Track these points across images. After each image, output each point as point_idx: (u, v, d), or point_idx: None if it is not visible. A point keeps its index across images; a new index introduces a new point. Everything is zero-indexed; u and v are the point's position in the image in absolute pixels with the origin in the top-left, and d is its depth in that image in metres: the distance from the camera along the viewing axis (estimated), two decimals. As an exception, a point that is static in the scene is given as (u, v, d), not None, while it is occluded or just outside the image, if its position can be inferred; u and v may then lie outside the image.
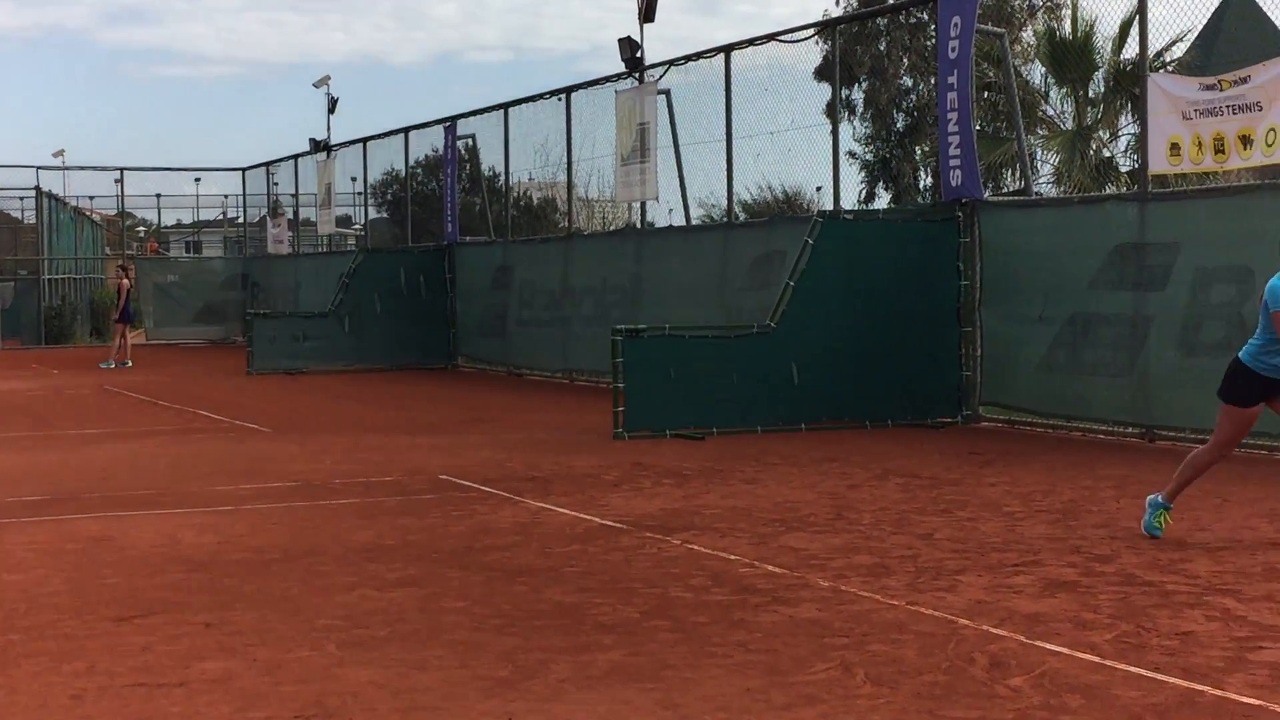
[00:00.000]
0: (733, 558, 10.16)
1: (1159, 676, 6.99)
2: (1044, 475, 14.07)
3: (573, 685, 7.03)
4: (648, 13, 25.31)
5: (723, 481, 13.93)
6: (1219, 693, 6.71)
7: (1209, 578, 9.25)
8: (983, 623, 8.12)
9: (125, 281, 35.69)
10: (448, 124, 32.12)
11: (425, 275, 31.78)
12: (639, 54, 25.36)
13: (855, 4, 39.71)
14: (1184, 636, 7.77)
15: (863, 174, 40.17)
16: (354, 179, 41.67)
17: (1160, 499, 10.69)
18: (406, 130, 34.55)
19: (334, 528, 11.67)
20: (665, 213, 27.43)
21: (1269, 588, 8.90)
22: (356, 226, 52.34)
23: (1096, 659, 7.33)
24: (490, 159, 32.70)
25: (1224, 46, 33.71)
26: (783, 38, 22.43)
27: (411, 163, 37.26)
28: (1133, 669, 7.13)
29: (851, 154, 39.64)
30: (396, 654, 7.65)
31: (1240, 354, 10.35)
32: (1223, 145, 15.47)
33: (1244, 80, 15.26)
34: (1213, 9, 28.73)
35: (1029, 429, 18.12)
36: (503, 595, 9.07)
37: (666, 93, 25.05)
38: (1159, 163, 16.32)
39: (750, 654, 7.56)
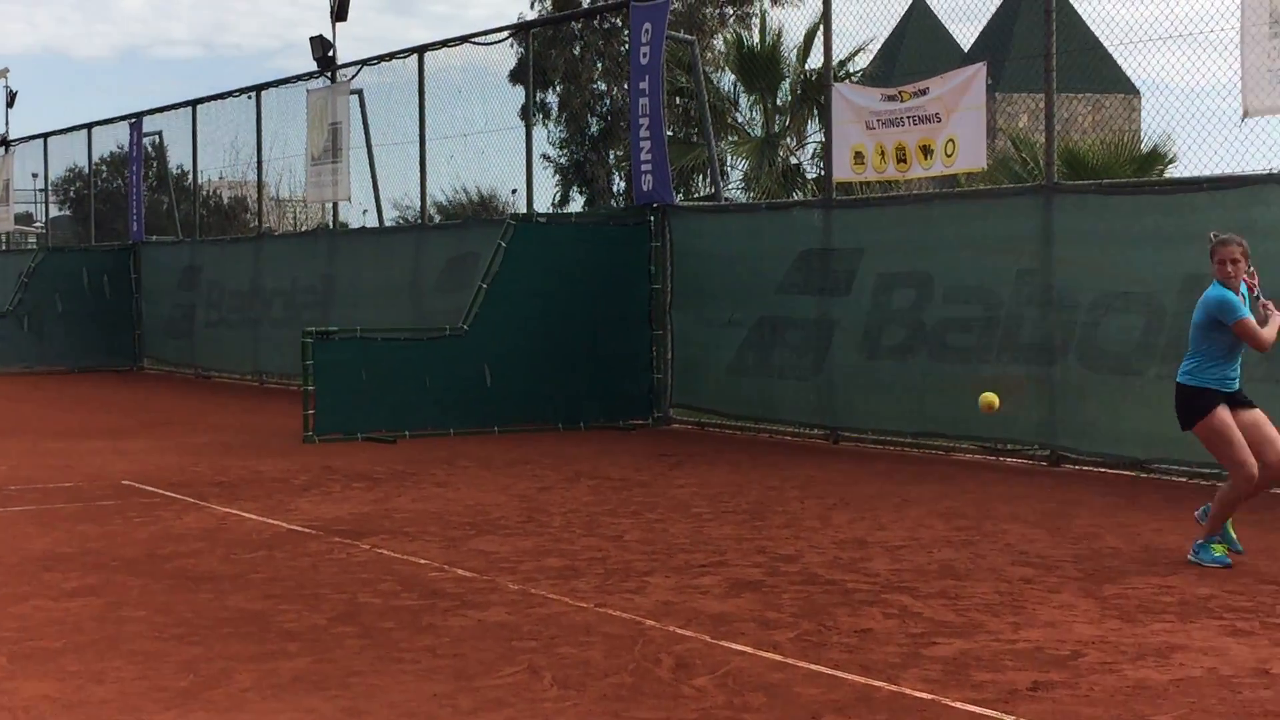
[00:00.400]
0: (422, 562, 10.09)
1: (838, 674, 7.15)
2: (732, 476, 14.30)
3: (256, 694, 6.88)
4: (340, 11, 25.05)
5: (414, 485, 13.83)
6: (895, 688, 6.90)
7: (887, 576, 9.50)
8: (669, 624, 8.21)
9: None
10: (133, 120, 31.27)
11: (109, 275, 30.89)
12: (331, 53, 25.07)
13: (550, 8, 39.84)
14: (863, 634, 7.96)
15: (557, 177, 40.32)
16: (35, 175, 40.27)
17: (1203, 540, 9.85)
18: (90, 126, 33.54)
19: (8, 536, 11.24)
20: (359, 214, 27.18)
21: (943, 585, 9.19)
22: (38, 224, 50.58)
23: (779, 658, 7.47)
24: (179, 157, 31.95)
25: (906, 58, 34.80)
26: (477, 39, 22.39)
27: (95, 160, 36.18)
28: (813, 666, 7.28)
29: (546, 157, 39.76)
30: (72, 666, 7.40)
31: (1179, 379, 9.90)
32: (905, 155, 15.95)
33: (923, 92, 15.75)
34: (895, 21, 29.61)
35: (719, 431, 18.41)
36: (185, 603, 8.85)
37: (359, 93, 24.79)
38: (844, 170, 16.74)
39: (438, 659, 7.50)
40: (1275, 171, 13.40)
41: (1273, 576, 9.34)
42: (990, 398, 11.10)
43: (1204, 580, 9.25)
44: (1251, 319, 9.67)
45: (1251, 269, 9.85)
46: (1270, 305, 9.82)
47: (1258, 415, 9.76)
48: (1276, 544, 10.43)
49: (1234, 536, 9.92)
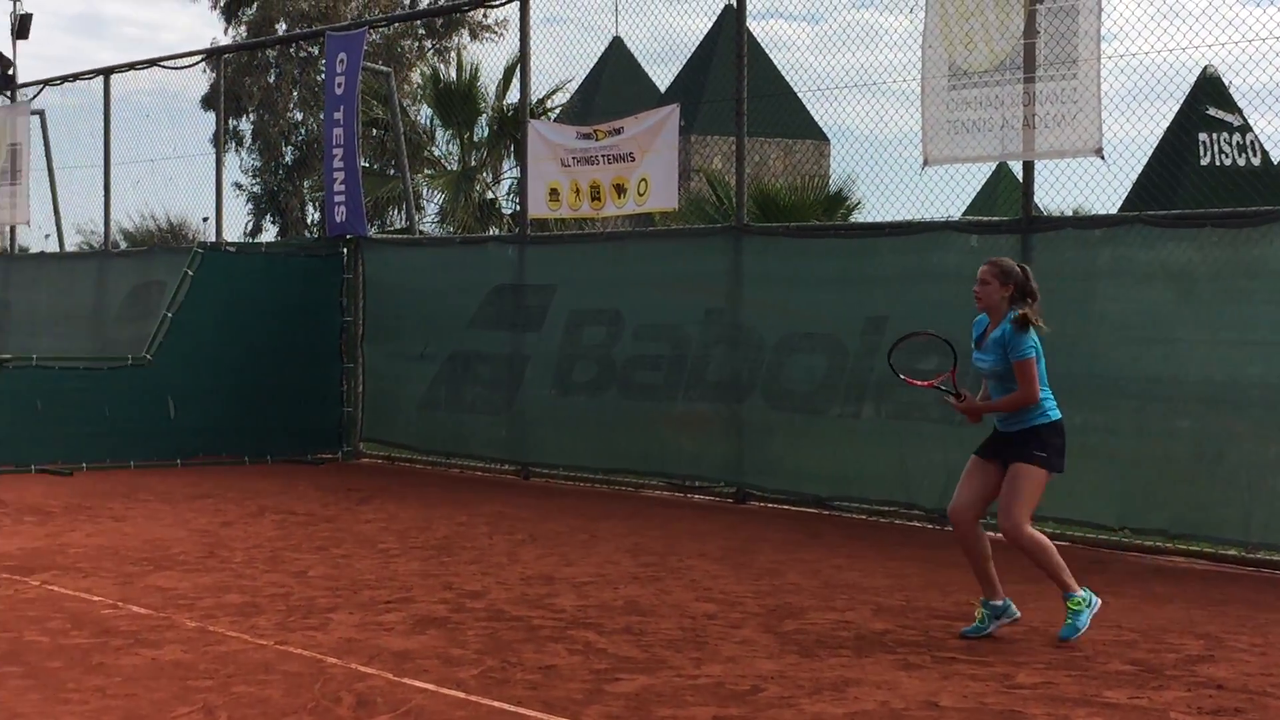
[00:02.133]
0: (96, 599, 9.75)
1: (521, 710, 7.12)
2: (421, 511, 14.18)
3: (-91, 739, 6.55)
4: (21, 29, 24.25)
5: (90, 519, 13.38)
6: (577, 724, 6.89)
7: (573, 612, 9.51)
8: (352, 661, 8.07)
9: None
10: None
11: None
12: (11, 71, 24.25)
13: (245, 35, 39.21)
14: (547, 670, 7.95)
15: (250, 206, 39.69)
16: None
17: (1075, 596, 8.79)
18: None
19: None
20: (41, 238, 26.29)
21: (628, 620, 9.23)
22: None
23: (462, 694, 7.40)
24: None
25: (604, 97, 35.14)
26: (167, 63, 21.88)
27: None
28: (496, 704, 7.23)
29: (239, 185, 39.10)
30: None
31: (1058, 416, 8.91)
32: (599, 193, 16.07)
33: (618, 131, 15.90)
34: (594, 60, 29.89)
35: (410, 465, 18.25)
36: None
37: (41, 113, 24.01)
38: (539, 207, 16.79)
39: (108, 699, 7.24)
40: (952, 219, 13.87)
41: (943, 612, 9.61)
42: None
43: (879, 615, 9.47)
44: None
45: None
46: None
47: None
48: (947, 579, 10.74)
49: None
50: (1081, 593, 8.76)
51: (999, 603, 8.91)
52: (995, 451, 8.89)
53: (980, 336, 9.09)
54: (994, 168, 25.95)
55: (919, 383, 9.57)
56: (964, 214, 17.13)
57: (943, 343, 9.44)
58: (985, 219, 15.46)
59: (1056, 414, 8.87)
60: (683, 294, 15.38)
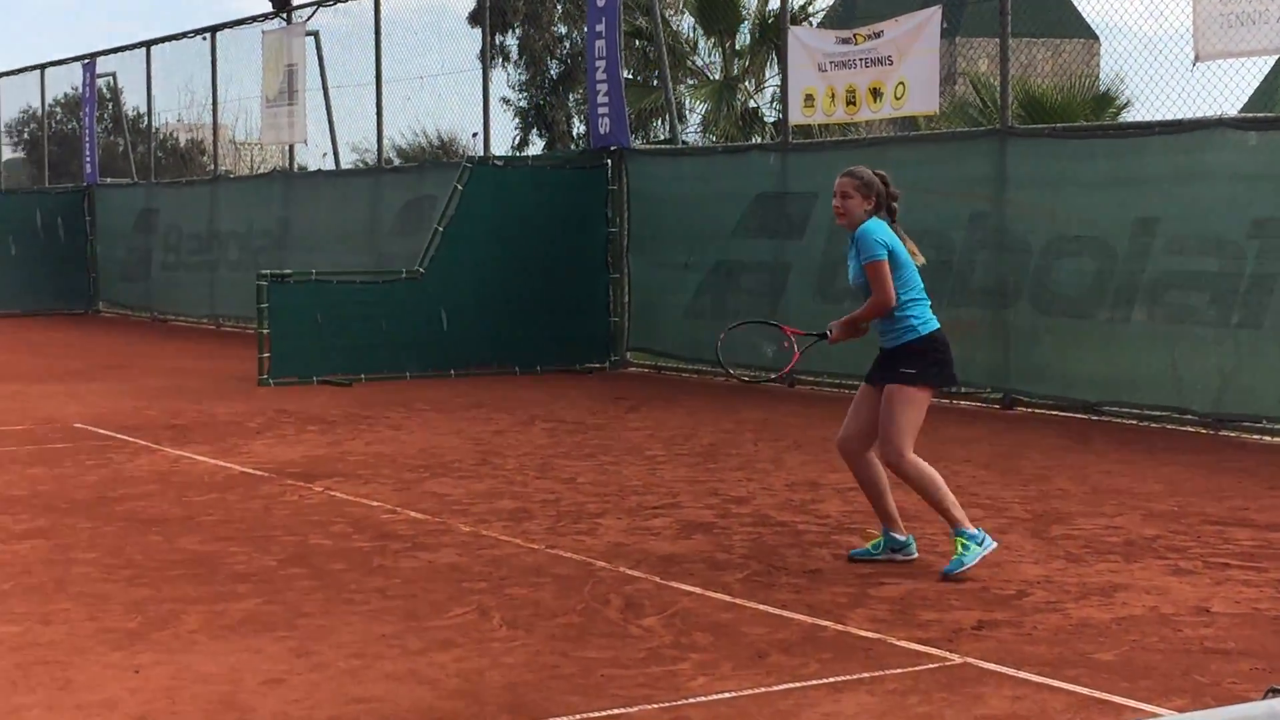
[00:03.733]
0: (375, 504, 10.11)
1: (785, 613, 7.21)
2: (687, 419, 14.34)
3: (204, 635, 6.90)
4: (296, -48, 24.81)
5: (369, 428, 13.83)
6: (841, 627, 6.96)
7: (838, 518, 9.57)
8: (620, 565, 8.25)
9: None
10: (86, 61, 30.99)
11: (64, 217, 30.65)
12: (287, -6, 24.87)
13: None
14: (812, 574, 8.02)
15: (517, 120, 40.19)
16: (-12, 117, 39.84)
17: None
18: (43, 67, 33.21)
19: (-41, 479, 11.21)
20: (319, 157, 27.03)
21: (893, 525, 9.24)
22: (-8, 167, 50.13)
23: (727, 598, 7.52)
24: (134, 99, 31.72)
25: (866, 2, 34.69)
26: (433, -19, 22.24)
27: (50, 101, 35.84)
28: (761, 607, 7.34)
29: (506, 100, 39.61)
30: (20, 608, 7.40)
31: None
32: (854, 97, 15.95)
33: (878, 35, 15.74)
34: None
35: (675, 375, 18.44)
36: (135, 546, 8.85)
37: (315, 34, 24.62)
38: (795, 114, 16.73)
39: (388, 600, 7.53)
40: (1225, 116, 13.46)
41: (1216, 517, 9.44)
42: None
43: (1149, 521, 9.34)
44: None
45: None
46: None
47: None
48: (1222, 485, 10.53)
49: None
50: (972, 529, 7.97)
51: (901, 538, 8.23)
52: (875, 375, 8.27)
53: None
54: (1274, 61, 25.02)
55: (792, 350, 8.75)
56: (1242, 110, 16.60)
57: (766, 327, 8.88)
58: (1261, 115, 14.97)
59: (930, 325, 8.11)
60: (946, 199, 15.22)
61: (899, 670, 6.28)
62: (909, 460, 8.03)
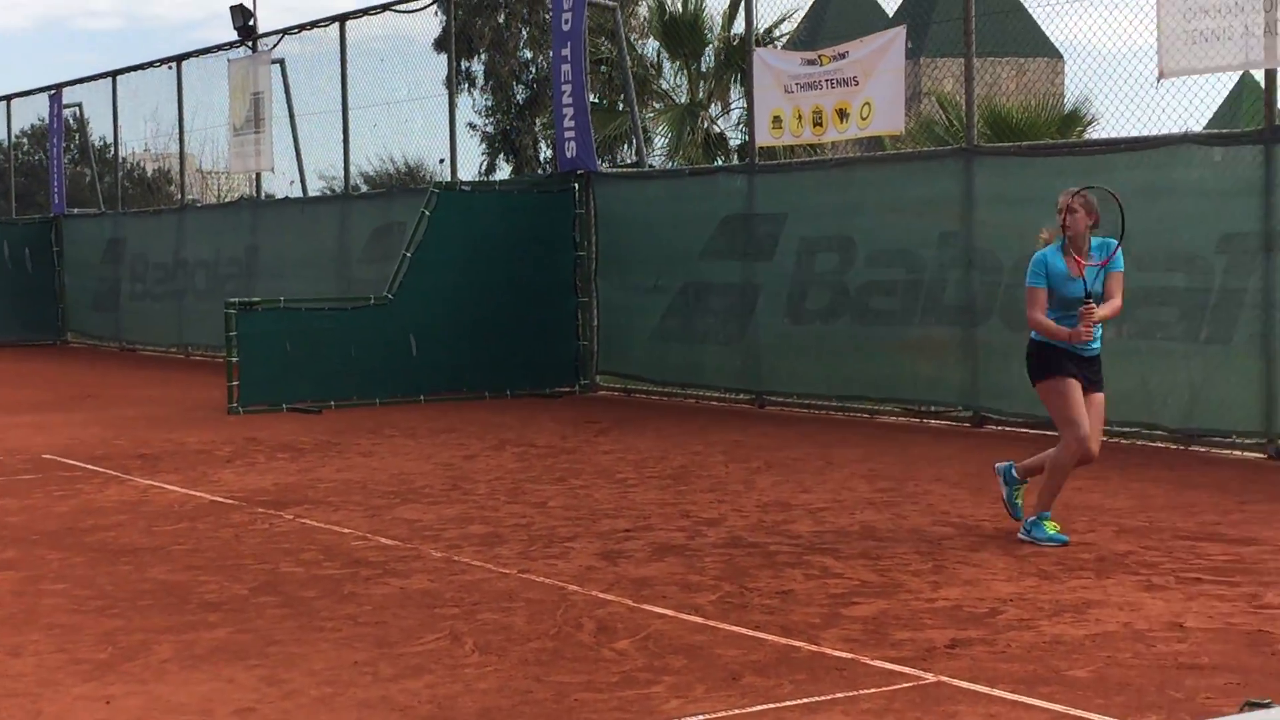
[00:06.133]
0: (345, 531, 10.07)
1: (759, 635, 7.19)
2: (657, 442, 14.32)
3: (175, 665, 6.85)
4: (260, -21, 24.78)
5: (339, 455, 13.78)
6: (815, 648, 6.94)
7: (810, 538, 9.55)
8: (592, 588, 8.22)
9: None
10: (52, 92, 30.90)
11: (31, 248, 30.54)
12: (251, 22, 24.84)
13: (475, -25, 39.62)
14: (784, 595, 8.01)
15: (484, 146, 40.18)
16: (-46, 149, 39.69)
17: (1015, 473, 9.68)
18: (9, 98, 33.12)
19: (-75, 512, 11.13)
20: (286, 185, 26.96)
21: (865, 546, 9.24)
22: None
23: (700, 620, 7.50)
24: (101, 129, 31.63)
25: (831, 24, 34.80)
26: (399, 8, 22.24)
27: (16, 132, 35.73)
28: (734, 628, 7.31)
29: (472, 126, 39.60)
30: (-12, 641, 7.34)
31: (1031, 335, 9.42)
32: (820, 118, 15.98)
33: (842, 56, 15.78)
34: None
35: (645, 397, 18.43)
36: (105, 576, 8.79)
37: (281, 62, 24.58)
38: (762, 135, 16.76)
39: (360, 627, 7.49)
40: (1190, 132, 13.52)
41: (1188, 532, 9.45)
42: None
43: (1121, 536, 9.35)
44: (1042, 292, 9.17)
45: (1102, 255, 9.15)
46: (1090, 308, 9.06)
47: (1097, 399, 9.31)
48: (1192, 500, 10.56)
49: (1019, 504, 9.58)
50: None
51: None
52: (1084, 378, 9.26)
53: (1058, 270, 9.15)
54: (1236, 79, 25.15)
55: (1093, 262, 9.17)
56: (1207, 126, 16.67)
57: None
58: (1225, 130, 15.04)
59: None
60: (916, 218, 15.25)
61: (873, 690, 6.26)
62: None
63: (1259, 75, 13.02)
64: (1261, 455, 12.47)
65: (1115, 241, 9.19)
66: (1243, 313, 12.59)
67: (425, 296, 18.03)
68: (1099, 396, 9.31)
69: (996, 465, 9.85)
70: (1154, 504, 10.48)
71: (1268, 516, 9.90)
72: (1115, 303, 9.23)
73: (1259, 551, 8.78)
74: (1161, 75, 12.93)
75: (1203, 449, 12.89)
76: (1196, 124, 14.70)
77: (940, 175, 15.15)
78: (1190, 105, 13.50)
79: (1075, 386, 9.18)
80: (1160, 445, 13.14)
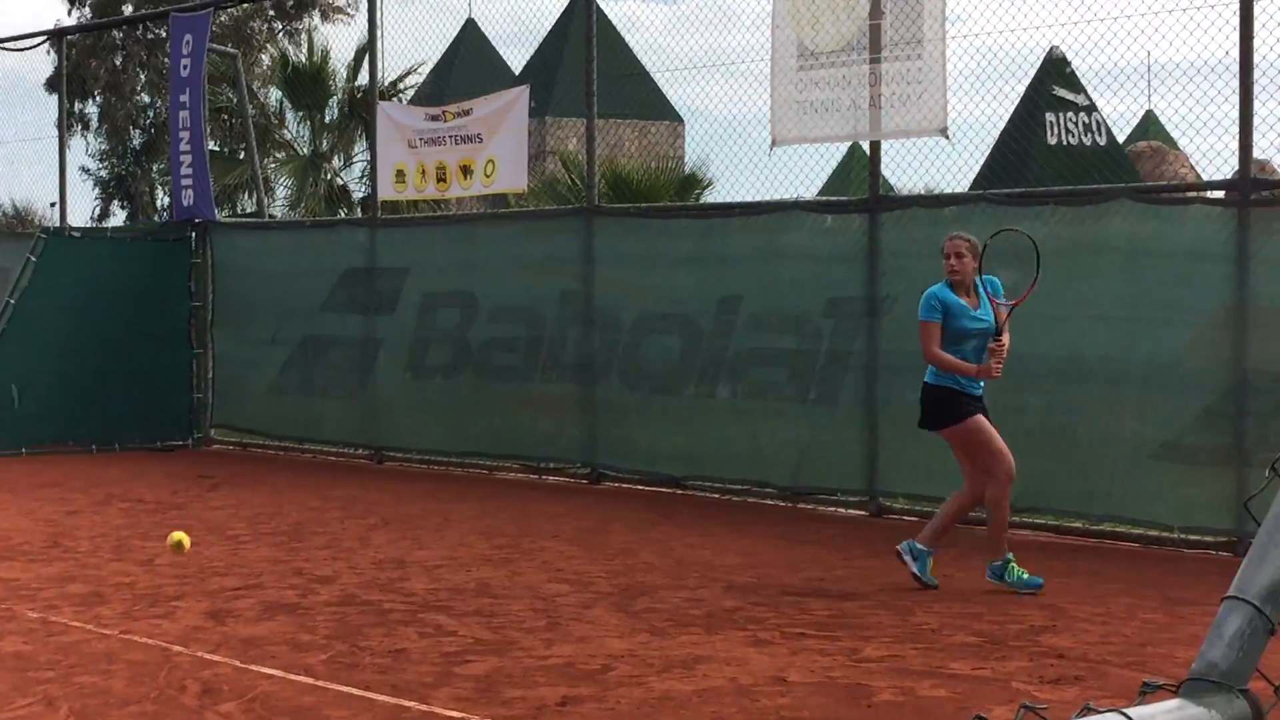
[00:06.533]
0: (-66, 591, 9.54)
1: (369, 695, 7.07)
2: (272, 497, 14.03)
3: None
4: None
5: (-69, 510, 13.09)
6: (425, 707, 6.86)
7: (424, 595, 9.46)
8: (198, 649, 7.97)
9: None
10: None
11: None
12: None
13: (90, 15, 38.48)
14: (397, 654, 7.90)
15: (98, 190, 38.97)
16: None
17: (920, 546, 9.62)
18: None
19: None
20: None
21: (480, 603, 9.20)
22: None
23: (310, 680, 7.33)
24: None
25: (458, 80, 34.93)
26: (7, 44, 21.41)
27: None
28: (344, 689, 7.18)
29: (85, 170, 38.36)
30: None
31: (926, 379, 9.56)
32: (445, 174, 15.97)
33: (466, 112, 15.81)
34: (447, 43, 29.73)
35: (261, 451, 18.04)
36: None
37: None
38: (386, 189, 16.67)
39: (-56, 693, 7.09)
40: (801, 199, 13.96)
41: (794, 588, 9.69)
42: (178, 537, 10.37)
43: (730, 593, 9.52)
44: (936, 327, 9.33)
45: (1001, 299, 9.42)
46: (1002, 345, 9.32)
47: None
48: (799, 556, 10.83)
49: (931, 575, 9.57)
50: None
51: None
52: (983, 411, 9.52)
53: (955, 303, 9.40)
54: (847, 148, 26.13)
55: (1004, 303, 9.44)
56: (819, 193, 17.26)
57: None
58: (833, 199, 15.60)
59: None
60: (537, 275, 15.35)
61: (483, 749, 6.21)
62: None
63: (866, 146, 13.54)
64: (864, 513, 12.90)
65: (997, 280, 9.47)
66: (848, 375, 13.02)
67: (30, 345, 17.29)
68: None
69: (897, 548, 9.67)
70: (762, 560, 10.72)
71: (869, 573, 10.23)
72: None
73: (859, 606, 9.05)
74: (774, 143, 13.32)
75: (810, 506, 13.26)
76: (809, 191, 15.23)
77: (562, 234, 15.29)
78: (803, 173, 13.98)
79: (984, 420, 9.43)
80: (770, 502, 13.47)
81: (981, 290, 9.43)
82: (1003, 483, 9.37)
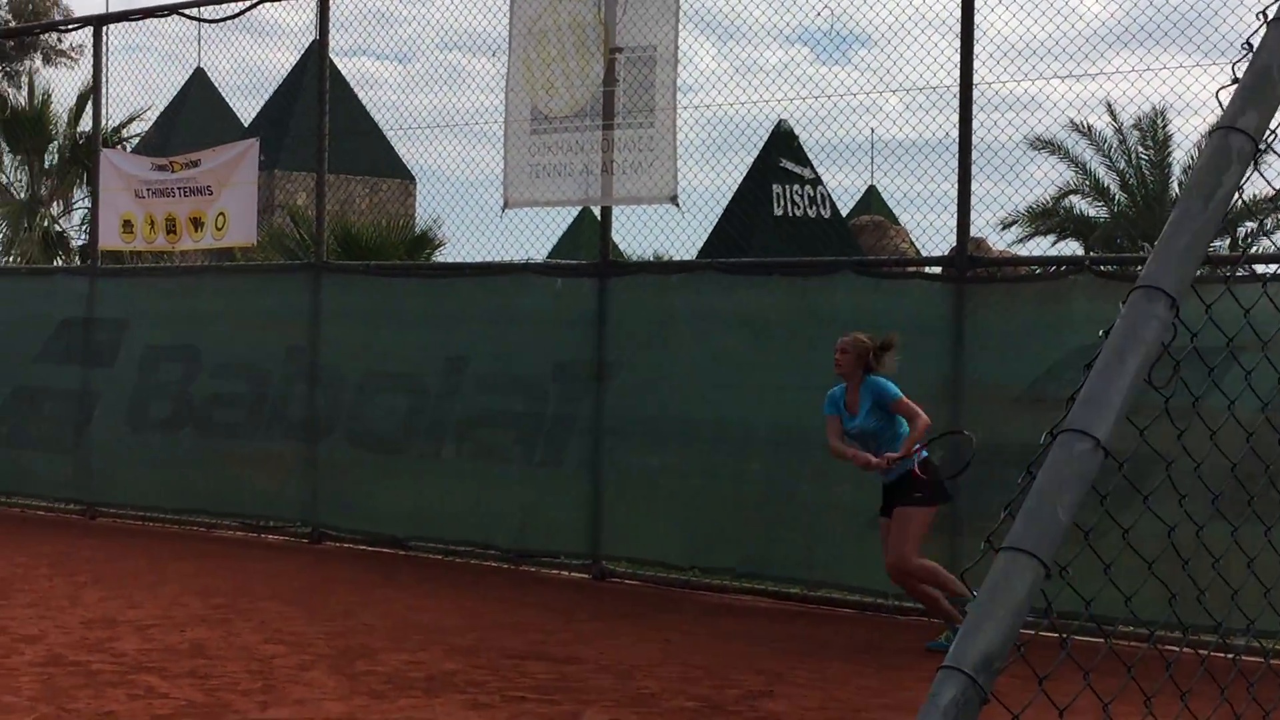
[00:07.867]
0: None
1: (74, 759, 6.83)
2: (-23, 553, 13.51)
3: None
4: None
5: None
6: (133, 773, 6.65)
7: (136, 656, 9.20)
8: (-109, 711, 7.63)
9: None
10: None
11: None
12: None
13: None
14: (105, 716, 7.66)
15: None
16: None
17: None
18: None
19: None
20: None
21: (193, 664, 8.98)
22: None
23: (11, 744, 7.07)
24: None
25: (186, 129, 34.32)
26: None
27: None
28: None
29: None
30: None
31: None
32: (175, 226, 15.66)
33: (195, 164, 15.54)
34: (175, 91, 29.18)
35: (-33, 505, 17.36)
36: None
37: None
38: (111, 238, 16.27)
39: None
40: (534, 261, 14.01)
41: (515, 651, 9.66)
42: None
43: (451, 655, 9.45)
44: (832, 420, 10.00)
45: (869, 398, 9.81)
46: (881, 460, 9.66)
47: (899, 514, 9.76)
48: (522, 619, 10.81)
49: None
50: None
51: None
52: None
53: (841, 401, 9.98)
54: (579, 211, 26.43)
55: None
56: (550, 255, 17.36)
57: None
58: (564, 262, 15.69)
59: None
60: (263, 331, 15.11)
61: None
62: (915, 564, 9.68)
63: (598, 211, 13.66)
64: (587, 575, 12.93)
65: (884, 384, 9.80)
66: (574, 438, 13.07)
67: None
68: (900, 511, 9.73)
69: (928, 646, 9.88)
70: (484, 622, 10.66)
71: (590, 635, 10.25)
72: (919, 421, 9.65)
73: (580, 670, 9.06)
74: (506, 205, 13.36)
75: (534, 568, 13.24)
76: (540, 253, 15.29)
77: (289, 289, 15.10)
78: (534, 235, 14.04)
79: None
80: (494, 564, 13.42)
81: (868, 393, 9.83)
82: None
